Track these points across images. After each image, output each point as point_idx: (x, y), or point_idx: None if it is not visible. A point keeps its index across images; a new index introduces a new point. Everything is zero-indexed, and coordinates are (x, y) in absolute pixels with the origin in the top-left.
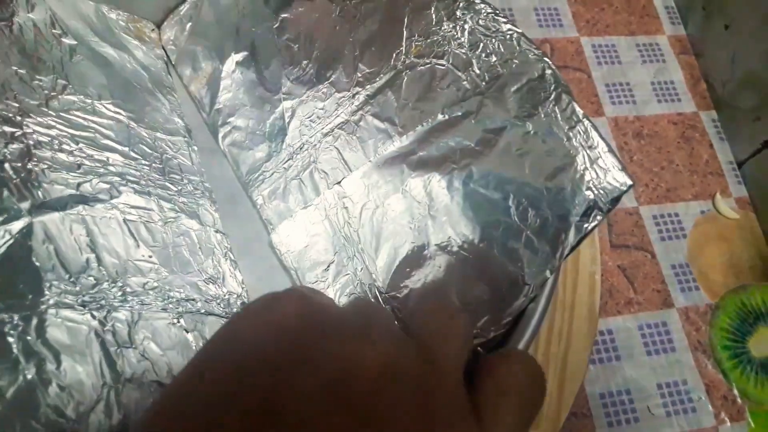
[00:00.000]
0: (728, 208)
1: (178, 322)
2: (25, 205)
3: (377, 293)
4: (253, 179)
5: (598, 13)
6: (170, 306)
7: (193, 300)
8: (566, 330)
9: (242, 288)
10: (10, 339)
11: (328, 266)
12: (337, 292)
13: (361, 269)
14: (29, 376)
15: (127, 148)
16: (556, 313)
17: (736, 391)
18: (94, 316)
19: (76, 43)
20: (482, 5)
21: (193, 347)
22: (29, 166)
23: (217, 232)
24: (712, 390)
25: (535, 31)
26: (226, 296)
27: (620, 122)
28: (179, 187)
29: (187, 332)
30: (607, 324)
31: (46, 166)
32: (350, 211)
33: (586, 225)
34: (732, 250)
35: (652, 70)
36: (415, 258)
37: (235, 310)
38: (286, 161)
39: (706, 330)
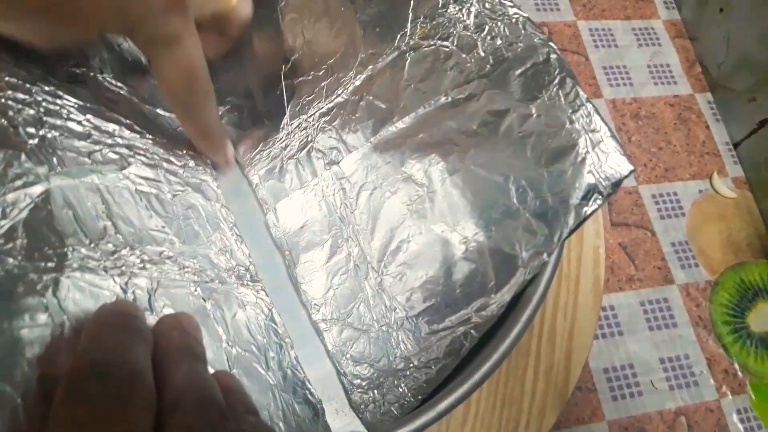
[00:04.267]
0: (725, 187)
1: (195, 291)
2: (42, 170)
3: (371, 274)
4: (250, 158)
5: None
6: (186, 275)
7: (206, 271)
8: (572, 303)
9: (249, 261)
10: (43, 299)
11: (323, 247)
12: (330, 272)
13: (357, 251)
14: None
15: (131, 122)
16: (561, 287)
17: (736, 365)
18: (116, 282)
19: None
20: None
21: (211, 316)
22: (42, 132)
23: (222, 207)
24: (713, 364)
25: (532, 15)
26: (236, 268)
27: (618, 104)
28: (183, 162)
29: (205, 301)
30: (610, 300)
31: (58, 134)
32: (347, 192)
33: (585, 209)
34: (730, 228)
35: (648, 54)
36: (412, 239)
37: (245, 282)
38: (284, 140)
39: (707, 306)
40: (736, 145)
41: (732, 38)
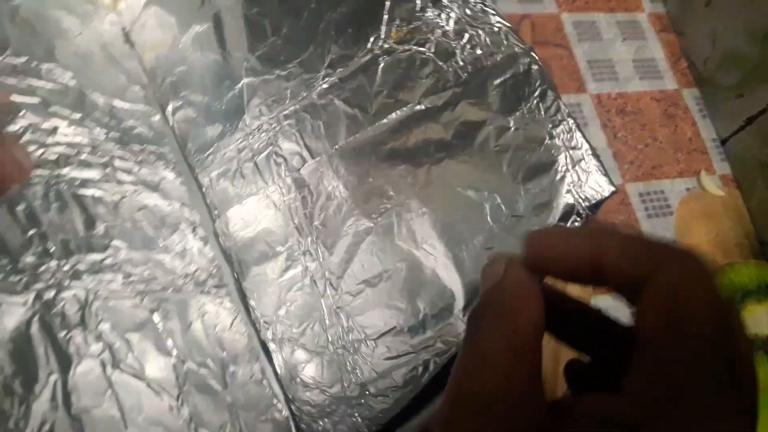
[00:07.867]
0: (713, 185)
1: (142, 301)
2: None
3: (329, 291)
4: (202, 159)
5: None
6: (132, 285)
7: (156, 279)
8: None
9: (213, 265)
10: None
11: (277, 260)
12: (284, 288)
13: (314, 265)
14: None
15: (79, 116)
16: None
17: None
18: (40, 297)
19: (19, 2)
20: None
21: (160, 328)
22: None
23: (183, 205)
24: None
25: (515, 7)
26: (196, 274)
27: (603, 99)
28: (140, 158)
29: (152, 312)
30: (598, 302)
31: None
32: (307, 201)
33: None
34: (718, 227)
35: (633, 48)
36: (376, 255)
37: (205, 289)
38: (241, 142)
39: None
40: (723, 142)
41: (718, 33)
